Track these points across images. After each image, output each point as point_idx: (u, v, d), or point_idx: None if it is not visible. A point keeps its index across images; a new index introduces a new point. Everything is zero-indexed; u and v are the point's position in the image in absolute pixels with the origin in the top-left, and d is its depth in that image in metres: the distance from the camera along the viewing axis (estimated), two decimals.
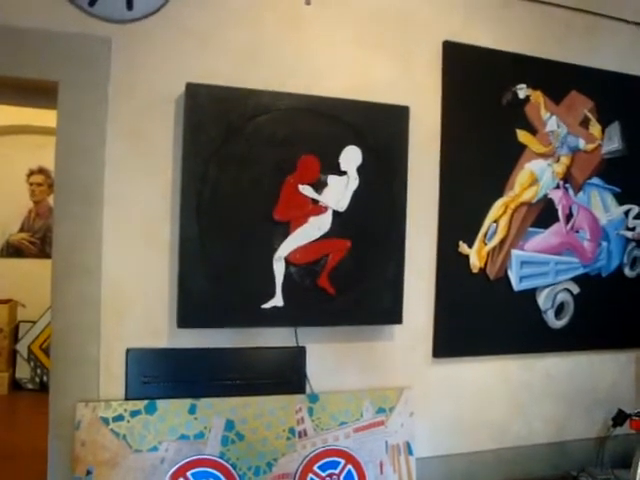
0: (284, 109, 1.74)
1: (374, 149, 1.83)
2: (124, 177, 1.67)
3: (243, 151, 1.70)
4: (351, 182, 1.80)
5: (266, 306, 1.74)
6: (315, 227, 1.78)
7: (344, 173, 1.80)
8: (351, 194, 1.80)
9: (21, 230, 4.91)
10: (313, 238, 1.78)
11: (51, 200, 4.58)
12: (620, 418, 2.18)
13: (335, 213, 1.79)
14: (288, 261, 1.76)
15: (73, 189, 1.63)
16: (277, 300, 1.75)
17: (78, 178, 1.63)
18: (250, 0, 1.78)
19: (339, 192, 1.79)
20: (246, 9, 1.77)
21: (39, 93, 1.72)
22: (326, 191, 1.78)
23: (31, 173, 4.85)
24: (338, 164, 1.79)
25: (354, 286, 1.83)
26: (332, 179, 1.78)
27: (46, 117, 2.49)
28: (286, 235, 1.75)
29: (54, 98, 1.62)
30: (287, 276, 1.76)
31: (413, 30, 1.96)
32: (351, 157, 1.80)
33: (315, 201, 1.77)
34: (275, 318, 1.75)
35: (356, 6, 1.89)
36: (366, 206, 1.83)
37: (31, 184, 4.87)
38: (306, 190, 1.75)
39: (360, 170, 1.81)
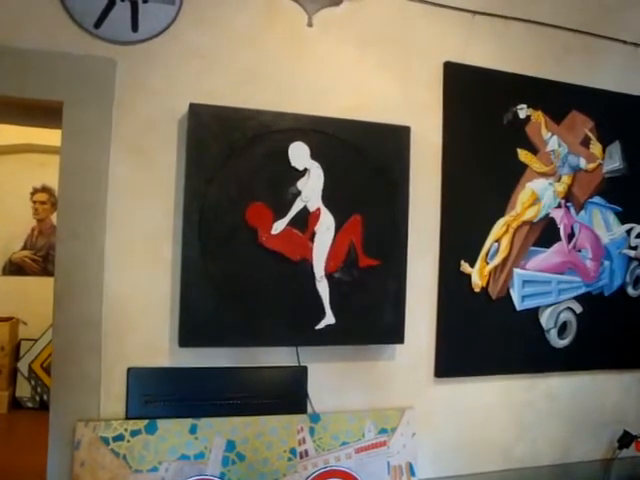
0: (286, 129, 1.75)
1: (376, 169, 1.84)
2: (127, 196, 1.68)
3: (245, 170, 1.71)
4: (315, 172, 1.77)
5: (320, 327, 1.77)
6: (324, 230, 1.78)
7: (305, 171, 1.77)
8: (322, 183, 1.78)
9: (24, 248, 4.91)
10: (331, 238, 1.79)
11: (54, 218, 4.60)
12: (626, 440, 2.15)
13: (330, 206, 1.78)
14: (328, 273, 1.78)
15: (76, 207, 1.64)
16: (329, 319, 1.77)
17: (81, 197, 1.64)
18: (253, 22, 1.81)
19: (314, 190, 1.77)
20: (249, 30, 1.80)
21: (44, 113, 1.74)
22: (304, 197, 1.76)
23: (35, 191, 4.87)
24: (294, 168, 1.77)
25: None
26: (300, 183, 1.77)
27: (50, 136, 2.52)
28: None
29: (59, 118, 1.63)
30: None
31: (414, 51, 1.98)
32: (298, 152, 1.76)
33: (298, 217, 1.76)
34: (275, 337, 1.75)
35: (357, 27, 1.92)
36: (367, 225, 1.83)
37: (34, 202, 4.89)
38: (279, 226, 1.74)
39: (362, 189, 1.82)
